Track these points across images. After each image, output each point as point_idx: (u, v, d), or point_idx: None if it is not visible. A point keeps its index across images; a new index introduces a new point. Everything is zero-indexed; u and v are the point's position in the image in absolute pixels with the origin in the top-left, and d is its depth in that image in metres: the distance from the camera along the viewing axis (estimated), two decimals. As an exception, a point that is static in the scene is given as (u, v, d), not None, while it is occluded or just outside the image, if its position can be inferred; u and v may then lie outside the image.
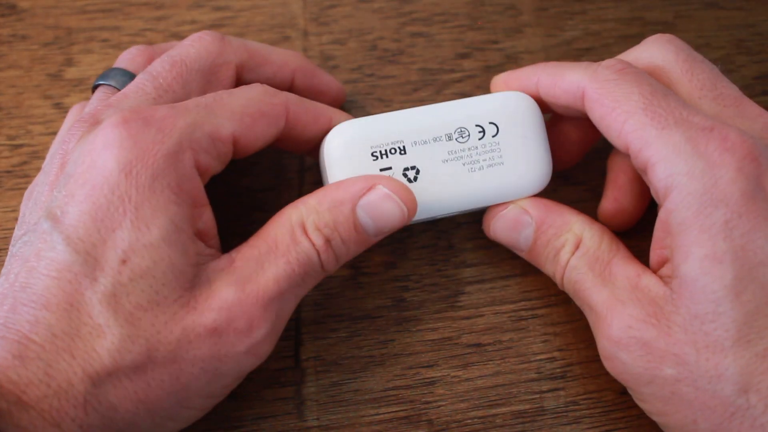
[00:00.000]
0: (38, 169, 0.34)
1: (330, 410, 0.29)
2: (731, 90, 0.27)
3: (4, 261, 0.31)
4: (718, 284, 0.23)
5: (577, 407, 0.29)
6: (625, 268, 0.27)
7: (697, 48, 0.37)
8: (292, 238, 0.26)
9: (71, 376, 0.22)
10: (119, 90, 0.29)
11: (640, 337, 0.25)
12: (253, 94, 0.27)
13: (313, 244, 0.26)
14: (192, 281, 0.24)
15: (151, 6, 0.38)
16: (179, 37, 0.37)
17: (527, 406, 0.29)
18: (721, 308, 0.23)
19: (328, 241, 0.26)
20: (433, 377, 0.29)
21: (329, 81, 0.33)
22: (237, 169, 0.33)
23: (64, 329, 0.22)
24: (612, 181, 0.31)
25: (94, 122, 0.26)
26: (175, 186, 0.24)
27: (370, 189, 0.26)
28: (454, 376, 0.29)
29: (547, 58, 0.37)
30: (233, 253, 0.26)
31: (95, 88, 0.30)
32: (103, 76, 0.30)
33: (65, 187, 0.24)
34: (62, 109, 0.35)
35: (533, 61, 0.37)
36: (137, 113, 0.25)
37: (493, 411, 0.29)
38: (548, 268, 0.29)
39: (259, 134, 0.27)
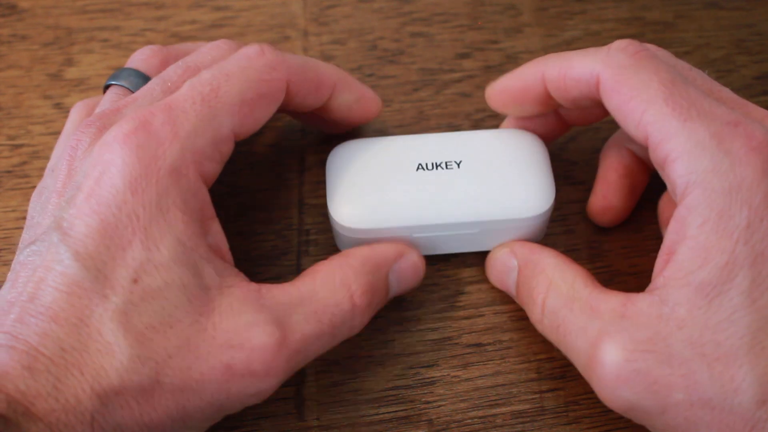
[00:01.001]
0: (38, 169, 0.34)
1: (330, 410, 0.29)
2: (728, 93, 0.27)
3: (4, 261, 0.32)
4: (735, 291, 0.22)
5: (577, 407, 0.29)
6: (606, 300, 0.25)
7: (697, 48, 0.37)
8: (334, 298, 0.25)
9: (79, 393, 0.21)
10: (130, 90, 0.29)
11: (640, 369, 0.23)
12: (252, 73, 0.26)
13: (355, 306, 0.26)
14: (210, 304, 0.23)
15: (151, 6, 0.38)
16: (179, 37, 0.37)
17: (527, 406, 0.29)
18: (735, 315, 0.22)
19: (369, 304, 0.26)
20: (433, 377, 0.29)
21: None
22: (237, 169, 0.33)
23: (72, 344, 0.22)
24: (602, 178, 0.31)
25: (102, 127, 0.26)
26: (181, 204, 0.24)
27: (401, 256, 0.28)
28: (454, 376, 0.29)
29: (547, 58, 0.37)
30: (263, 288, 0.25)
31: (106, 87, 0.30)
32: (114, 76, 0.29)
33: (74, 200, 0.24)
34: (62, 109, 0.35)
35: (533, 61, 0.37)
36: (137, 124, 0.24)
37: (493, 411, 0.29)
38: (531, 315, 0.28)
39: (259, 117, 0.27)
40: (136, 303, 0.22)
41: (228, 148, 0.26)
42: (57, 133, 0.34)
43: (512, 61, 0.37)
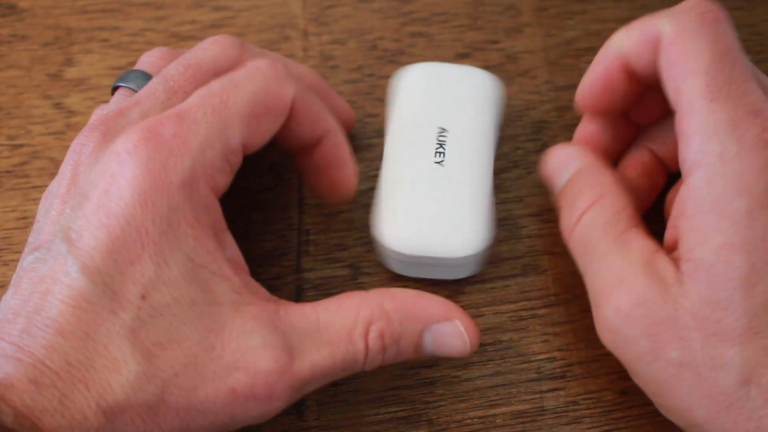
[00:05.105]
0: (38, 169, 0.34)
1: (330, 410, 0.29)
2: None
3: (4, 261, 0.32)
4: (733, 273, 0.23)
5: (577, 407, 0.29)
6: (641, 241, 0.26)
7: (697, 48, 0.37)
8: (349, 335, 0.25)
9: (85, 409, 0.21)
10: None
11: (649, 315, 0.24)
12: (261, 84, 0.26)
13: (367, 348, 0.25)
14: (220, 322, 0.23)
15: (151, 6, 0.38)
16: (179, 37, 0.37)
17: (527, 406, 0.29)
18: (734, 297, 0.23)
19: (384, 349, 0.25)
20: (433, 377, 0.29)
21: (341, 104, 0.33)
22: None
23: (79, 359, 0.22)
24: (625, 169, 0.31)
25: (106, 131, 0.25)
26: (192, 219, 0.23)
27: (446, 319, 0.26)
28: (454, 376, 0.29)
29: (547, 58, 0.37)
30: (281, 309, 0.24)
31: (115, 89, 0.29)
32: (122, 78, 0.29)
33: (81, 210, 0.23)
34: (62, 109, 0.35)
35: (533, 61, 0.37)
36: (147, 134, 0.24)
37: (493, 411, 0.29)
38: (564, 218, 0.28)
39: (266, 131, 0.26)
40: (144, 319, 0.22)
41: (237, 160, 0.26)
42: (57, 133, 0.34)
43: (512, 61, 0.37)
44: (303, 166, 0.30)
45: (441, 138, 0.30)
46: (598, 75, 0.29)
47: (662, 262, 0.25)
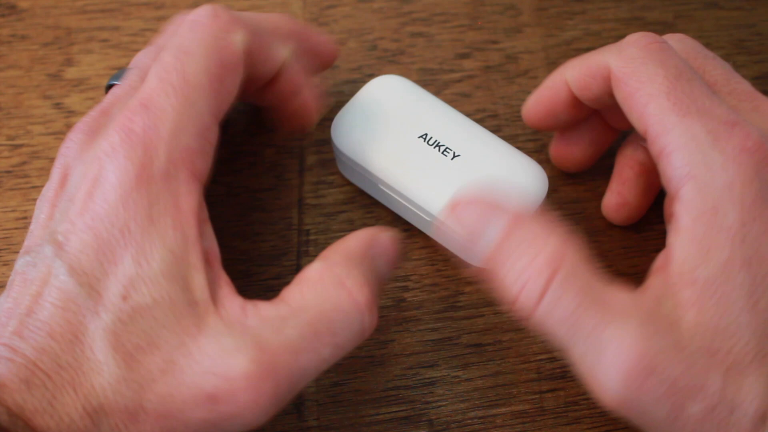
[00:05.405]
0: (38, 170, 0.34)
1: (330, 410, 0.29)
2: (745, 86, 0.27)
3: (3, 261, 0.32)
4: (738, 293, 0.22)
5: (577, 407, 0.29)
6: (618, 294, 0.22)
7: (697, 48, 0.37)
8: (330, 301, 0.23)
9: (72, 411, 0.21)
10: None
11: (665, 376, 0.21)
12: (210, 42, 0.25)
13: (357, 303, 0.23)
14: (197, 324, 0.22)
15: (151, 6, 0.38)
16: (179, 37, 0.37)
17: (527, 406, 0.29)
18: (740, 320, 0.22)
19: (371, 296, 0.24)
20: (433, 377, 0.29)
21: (321, 40, 0.31)
22: (237, 169, 0.33)
23: (68, 361, 0.22)
24: (618, 175, 0.31)
25: (89, 131, 0.25)
26: (172, 209, 0.23)
27: (375, 238, 0.26)
28: (454, 376, 0.29)
29: (547, 58, 0.37)
30: (249, 307, 0.23)
31: (109, 87, 0.29)
32: (116, 76, 0.29)
33: (67, 213, 0.23)
34: (62, 110, 0.35)
35: (533, 61, 0.37)
36: (121, 134, 0.23)
37: (493, 411, 0.29)
38: (514, 295, 0.23)
39: (230, 92, 0.25)
40: (125, 321, 0.22)
41: (214, 135, 0.25)
42: (57, 133, 0.34)
43: (512, 61, 0.37)
44: (263, 102, 0.30)
45: (431, 141, 0.30)
46: (542, 101, 0.30)
47: (650, 303, 0.23)
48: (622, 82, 0.26)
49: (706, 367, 0.21)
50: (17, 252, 0.32)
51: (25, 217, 0.33)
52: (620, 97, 0.26)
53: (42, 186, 0.33)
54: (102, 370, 0.22)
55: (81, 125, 0.26)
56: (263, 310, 0.23)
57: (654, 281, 0.23)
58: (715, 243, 0.23)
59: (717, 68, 0.27)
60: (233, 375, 0.22)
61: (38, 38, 0.37)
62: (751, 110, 0.26)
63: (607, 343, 0.21)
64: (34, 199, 0.33)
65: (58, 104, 0.35)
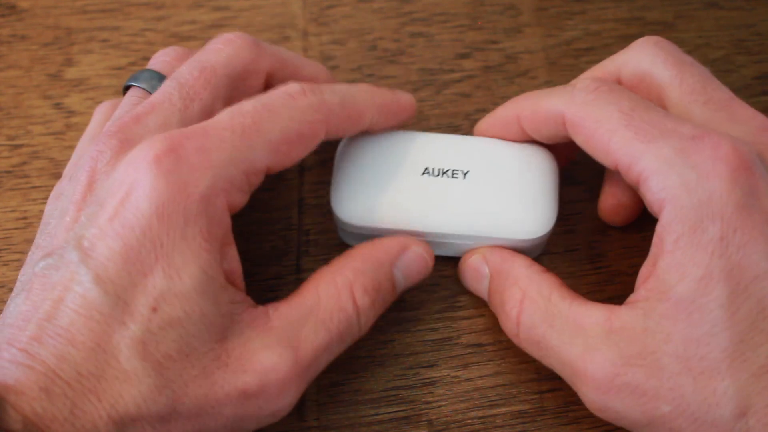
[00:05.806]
0: (38, 170, 0.34)
1: (330, 410, 0.29)
2: (722, 93, 0.27)
3: (3, 261, 0.32)
4: (714, 304, 0.23)
5: (577, 407, 0.29)
6: (589, 314, 0.25)
7: (697, 48, 0.37)
8: (337, 302, 0.26)
9: (96, 419, 0.21)
10: (150, 93, 0.28)
11: (630, 382, 0.24)
12: (296, 113, 0.26)
13: (357, 308, 0.26)
14: (223, 333, 0.23)
15: (151, 6, 0.38)
16: (179, 37, 0.37)
17: (527, 406, 0.29)
18: (716, 329, 0.23)
19: (372, 302, 0.26)
20: (433, 377, 0.29)
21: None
22: (237, 169, 0.33)
23: (90, 369, 0.22)
24: (611, 176, 0.31)
25: (125, 139, 0.25)
26: (206, 232, 0.23)
27: (405, 250, 0.28)
28: (454, 376, 0.29)
29: (547, 58, 0.37)
30: (270, 309, 0.25)
31: (126, 88, 0.29)
32: (134, 78, 0.29)
33: (95, 218, 0.23)
34: (62, 109, 0.35)
35: (533, 62, 0.37)
36: (170, 146, 0.23)
37: (493, 411, 0.29)
38: (505, 327, 0.28)
39: (295, 157, 0.26)
40: (154, 332, 0.22)
41: (258, 180, 0.26)
42: (57, 133, 0.34)
43: (512, 61, 0.37)
44: None
45: (435, 171, 0.30)
46: (493, 131, 0.30)
47: (625, 320, 0.24)
48: (580, 126, 0.26)
49: (676, 372, 0.23)
50: (17, 252, 0.32)
51: (26, 218, 0.33)
52: (580, 140, 0.27)
53: (43, 186, 0.33)
54: (130, 378, 0.22)
55: (114, 130, 0.26)
56: (284, 312, 0.25)
57: (636, 295, 0.25)
58: (693, 261, 0.23)
59: (694, 75, 0.27)
60: (263, 369, 0.23)
61: (38, 38, 0.37)
62: (726, 119, 0.26)
63: (576, 359, 0.25)
64: (34, 199, 0.33)
65: (58, 104, 0.35)
